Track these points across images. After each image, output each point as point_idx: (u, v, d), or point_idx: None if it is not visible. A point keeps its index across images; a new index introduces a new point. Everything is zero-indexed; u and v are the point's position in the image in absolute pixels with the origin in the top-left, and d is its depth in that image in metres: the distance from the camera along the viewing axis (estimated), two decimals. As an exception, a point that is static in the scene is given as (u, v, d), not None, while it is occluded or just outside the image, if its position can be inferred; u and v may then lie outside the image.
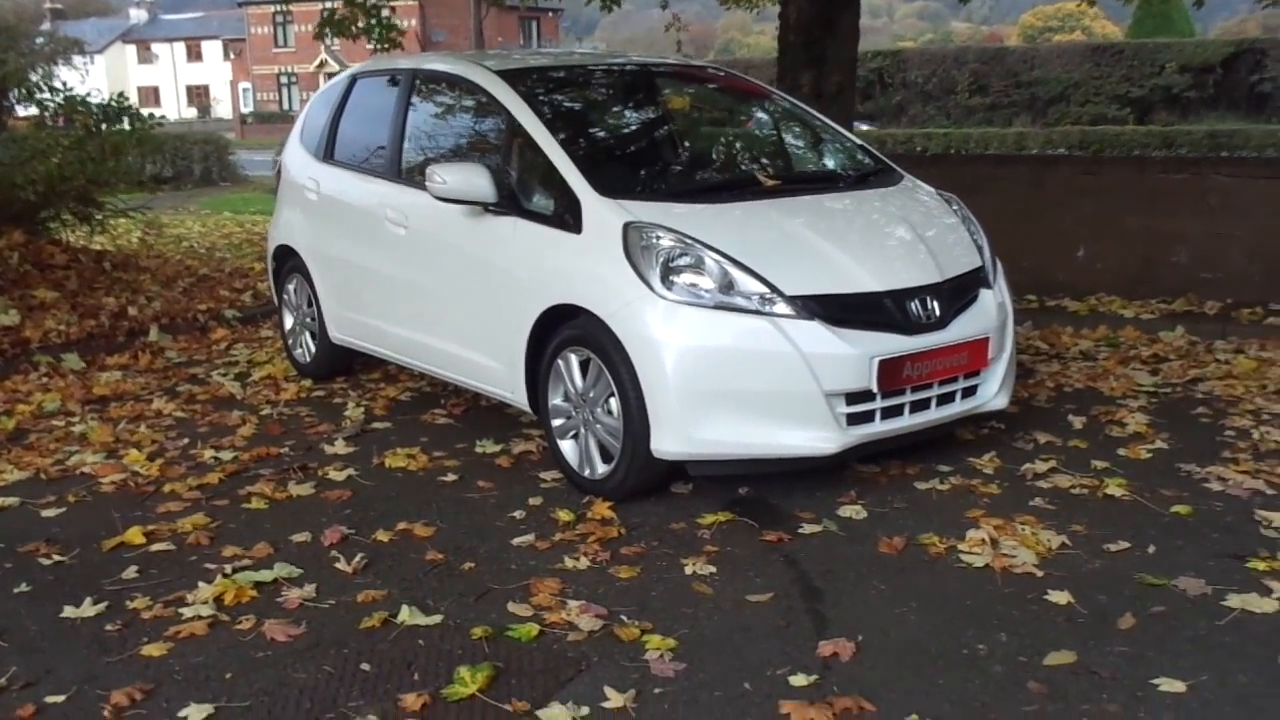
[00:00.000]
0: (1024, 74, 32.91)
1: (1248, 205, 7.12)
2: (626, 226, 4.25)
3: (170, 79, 71.84)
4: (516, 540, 4.05)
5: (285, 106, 56.46)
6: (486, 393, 5.05)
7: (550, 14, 60.64)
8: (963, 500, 4.31)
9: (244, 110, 58.94)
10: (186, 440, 5.36)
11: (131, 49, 72.79)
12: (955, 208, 5.02)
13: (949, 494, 4.38)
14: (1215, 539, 3.91)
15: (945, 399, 4.40)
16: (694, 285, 4.10)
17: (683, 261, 4.15)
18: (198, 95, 70.95)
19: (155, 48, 72.89)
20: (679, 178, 5.11)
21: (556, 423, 4.58)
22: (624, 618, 3.42)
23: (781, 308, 4.07)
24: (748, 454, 4.11)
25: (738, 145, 5.60)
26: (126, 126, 9.90)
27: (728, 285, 4.09)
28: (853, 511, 4.20)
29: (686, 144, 5.42)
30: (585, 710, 2.92)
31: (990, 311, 4.52)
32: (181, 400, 6.08)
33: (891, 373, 4.14)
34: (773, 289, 4.09)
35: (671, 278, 4.12)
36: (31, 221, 10.46)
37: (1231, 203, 7.16)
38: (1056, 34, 66.09)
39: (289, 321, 6.59)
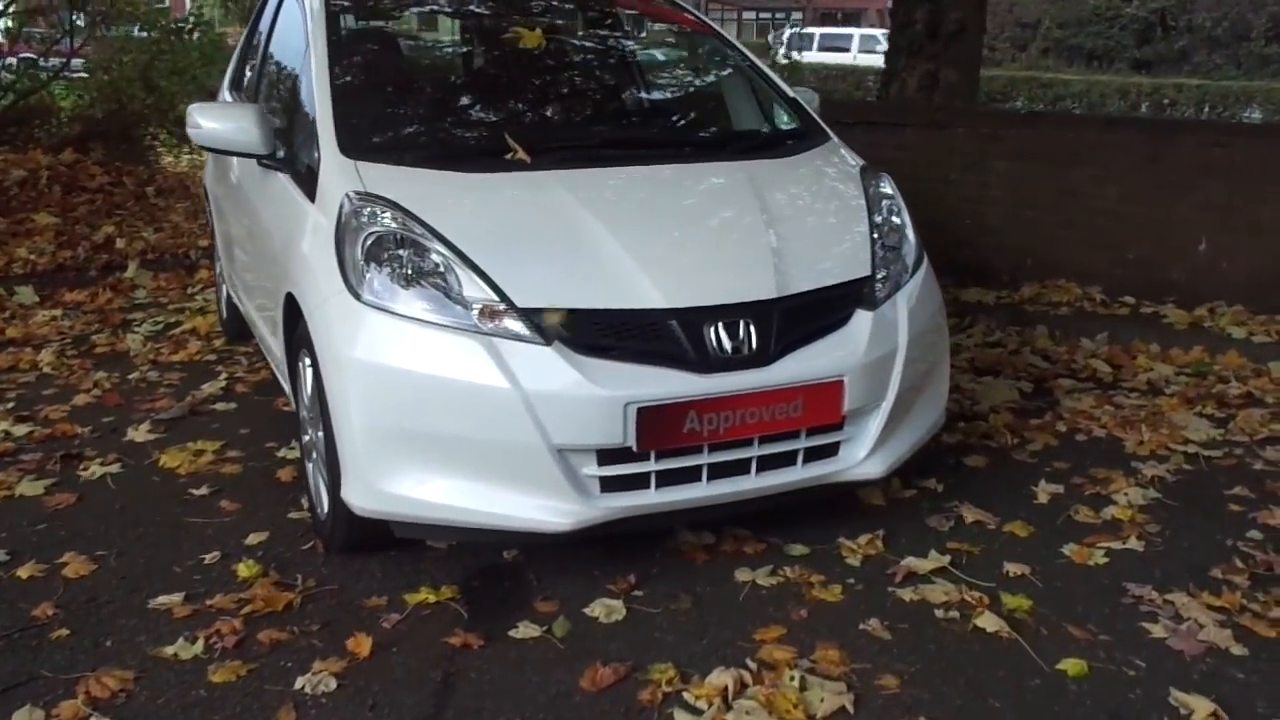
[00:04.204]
0: (1338, 19, 28.53)
1: None
2: (346, 196, 3.19)
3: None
4: (159, 600, 3.11)
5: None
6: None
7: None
8: (775, 607, 3.06)
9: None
10: (11, 405, 4.69)
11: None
12: (881, 188, 3.67)
13: (767, 594, 3.14)
14: (1089, 730, 2.56)
15: (775, 461, 3.14)
16: (406, 284, 3.01)
17: (399, 251, 3.05)
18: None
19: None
20: (461, 137, 3.84)
21: (304, 438, 3.61)
22: (121, 758, 2.45)
23: (509, 324, 2.92)
24: (457, 521, 3.00)
25: (587, 95, 4.30)
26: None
27: (453, 288, 2.98)
28: (608, 609, 3.03)
29: (509, 92, 4.17)
30: None
31: (859, 343, 3.17)
32: (78, 352, 5.44)
33: (661, 425, 2.92)
34: (502, 297, 2.94)
35: (381, 271, 3.03)
36: (130, 139, 10.32)
37: None
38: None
39: (218, 270, 5.85)
